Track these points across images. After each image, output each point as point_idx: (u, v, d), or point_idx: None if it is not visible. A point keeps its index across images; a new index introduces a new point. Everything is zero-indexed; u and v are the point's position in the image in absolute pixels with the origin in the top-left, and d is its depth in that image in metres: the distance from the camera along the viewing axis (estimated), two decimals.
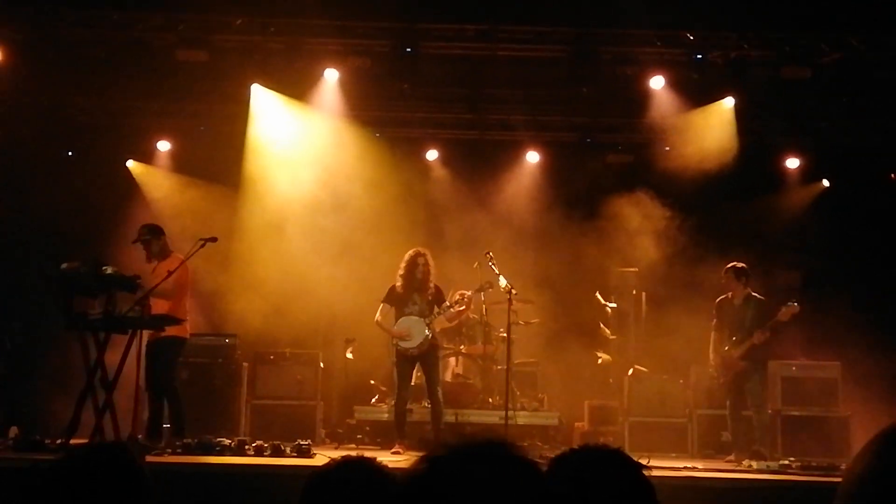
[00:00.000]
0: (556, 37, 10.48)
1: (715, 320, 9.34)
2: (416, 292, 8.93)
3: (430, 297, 8.95)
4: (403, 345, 8.85)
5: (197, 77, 10.69)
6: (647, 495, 2.16)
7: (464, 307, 9.19)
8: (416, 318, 8.87)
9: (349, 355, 10.61)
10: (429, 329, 8.82)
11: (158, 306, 8.16)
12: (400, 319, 8.94)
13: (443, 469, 1.62)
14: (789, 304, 8.91)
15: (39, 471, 2.38)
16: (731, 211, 11.30)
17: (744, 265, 9.33)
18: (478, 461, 1.63)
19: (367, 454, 2.52)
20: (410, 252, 9.02)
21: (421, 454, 1.69)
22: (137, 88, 11.09)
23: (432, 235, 10.62)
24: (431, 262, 9.00)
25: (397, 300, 8.97)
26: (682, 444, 10.02)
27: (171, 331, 8.23)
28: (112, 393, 7.53)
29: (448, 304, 9.02)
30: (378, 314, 9.00)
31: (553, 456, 2.27)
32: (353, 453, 2.50)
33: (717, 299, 9.40)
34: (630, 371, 10.59)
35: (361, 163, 11.24)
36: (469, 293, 9.30)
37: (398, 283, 8.97)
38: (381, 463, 2.34)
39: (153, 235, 8.54)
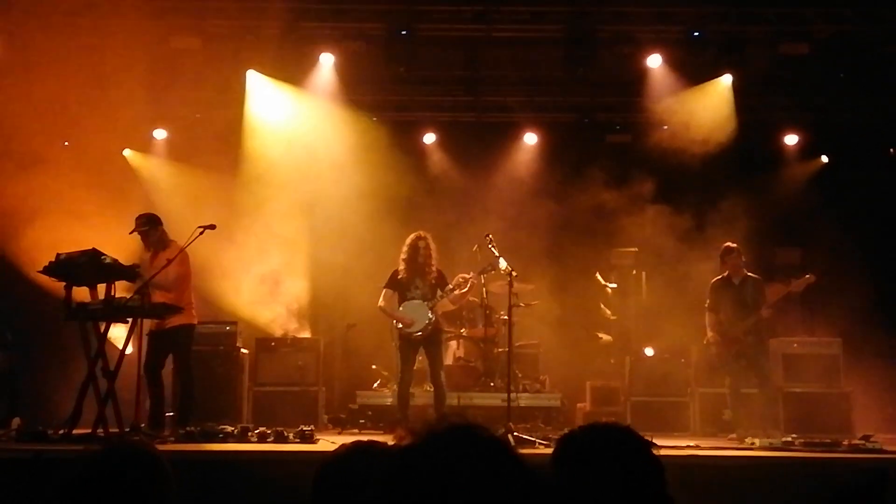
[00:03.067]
0: (552, 17, 10.42)
1: (709, 301, 9.33)
2: (418, 276, 8.88)
3: (432, 281, 8.89)
4: (406, 329, 8.82)
5: (191, 64, 10.63)
6: (655, 473, 2.14)
7: (466, 290, 9.15)
8: (419, 301, 8.84)
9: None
10: (432, 312, 8.79)
11: (161, 296, 8.14)
12: (403, 304, 8.90)
13: (415, 458, 1.62)
14: (804, 274, 8.99)
15: (65, 465, 2.41)
16: (731, 188, 11.26)
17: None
18: (447, 447, 1.62)
19: (370, 439, 2.51)
20: (411, 236, 8.96)
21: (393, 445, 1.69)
22: (132, 77, 11.02)
23: (432, 219, 10.58)
24: (433, 246, 8.94)
25: (400, 285, 8.92)
26: (685, 422, 10.03)
27: (179, 319, 8.21)
28: (114, 382, 7.53)
29: (451, 287, 8.99)
30: (381, 299, 8.95)
31: (561, 435, 2.25)
32: (357, 438, 2.49)
33: (713, 280, 9.38)
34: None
35: (359, 147, 11.19)
36: (471, 276, 9.26)
37: (401, 268, 8.91)
38: (391, 447, 2.33)
39: (151, 225, 8.49)
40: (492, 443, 1.64)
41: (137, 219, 8.59)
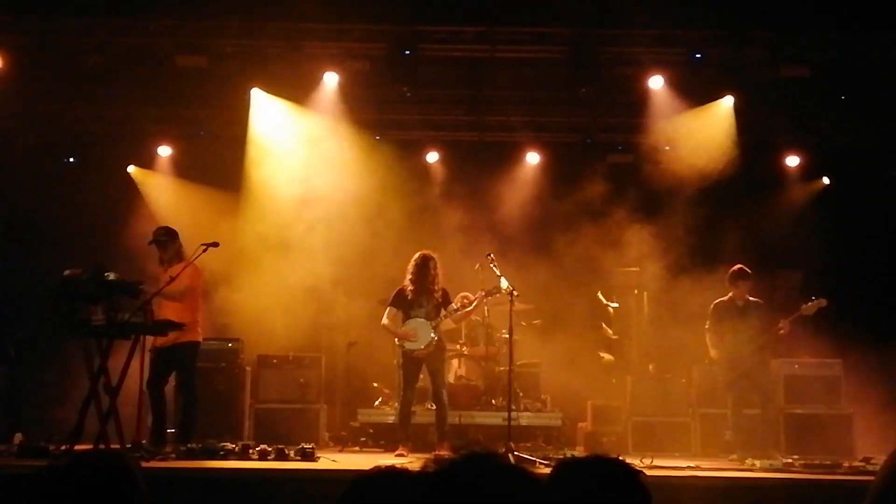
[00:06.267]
0: (554, 38, 10.49)
1: (710, 322, 9.31)
2: (423, 295, 8.92)
3: (437, 300, 8.94)
4: (409, 347, 8.85)
5: (197, 82, 10.71)
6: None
7: (470, 309, 9.18)
8: (423, 320, 8.87)
9: None
10: (435, 332, 8.82)
11: (170, 310, 8.18)
12: (407, 322, 8.93)
13: (447, 478, 1.65)
14: (816, 298, 8.97)
15: (30, 479, 2.42)
16: (732, 210, 11.31)
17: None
18: (479, 472, 1.65)
19: (371, 457, 2.54)
20: (419, 255, 9.00)
21: (429, 460, 1.73)
22: (138, 94, 11.11)
23: (433, 237, 10.63)
24: (439, 265, 9.00)
25: (405, 303, 8.95)
26: (685, 443, 10.01)
27: (184, 337, 8.25)
28: (116, 399, 7.53)
29: (455, 306, 9.02)
30: (385, 317, 8.99)
31: (554, 465, 2.30)
32: (358, 456, 2.52)
33: (715, 302, 9.34)
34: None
35: (362, 166, 11.25)
36: (473, 296, 9.28)
37: (407, 287, 8.95)
38: (418, 473, 2.34)
39: (170, 237, 8.57)
40: (514, 472, 1.69)
41: (156, 230, 8.68)
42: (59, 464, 2.48)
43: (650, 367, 10.74)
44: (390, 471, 2.35)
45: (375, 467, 2.37)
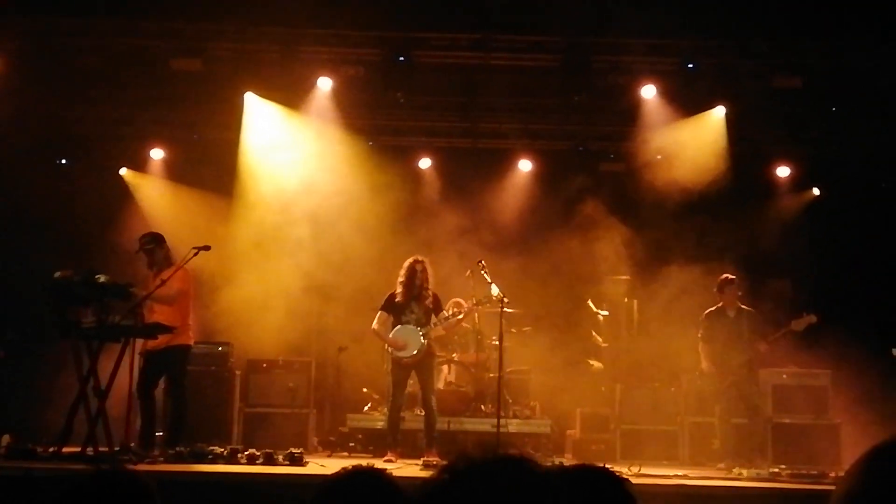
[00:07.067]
0: (548, 46, 10.54)
1: (702, 332, 9.35)
2: (414, 300, 8.93)
3: (428, 305, 8.94)
4: (399, 354, 8.85)
5: (191, 85, 10.73)
6: None
7: (461, 317, 9.20)
8: (413, 327, 8.87)
9: None
10: (424, 339, 8.82)
11: (162, 313, 8.17)
12: (396, 328, 8.93)
13: (463, 481, 1.66)
14: (806, 314, 8.98)
15: (52, 484, 2.42)
16: (722, 219, 11.34)
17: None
18: (497, 475, 1.66)
19: (360, 462, 2.53)
20: (409, 260, 9.02)
21: (443, 464, 1.73)
22: (131, 97, 11.12)
23: (425, 243, 10.64)
24: (430, 270, 9.01)
25: (395, 308, 8.96)
26: (674, 451, 10.04)
27: (174, 340, 8.25)
28: (105, 401, 7.53)
29: (446, 314, 9.03)
30: (375, 322, 8.99)
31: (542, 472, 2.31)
32: (346, 461, 2.52)
33: (707, 311, 9.40)
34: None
35: (354, 171, 11.26)
36: (465, 303, 9.30)
37: (397, 291, 8.96)
38: (390, 474, 2.35)
39: (157, 244, 8.55)
40: (542, 478, 1.69)
41: (142, 238, 8.64)
42: (80, 474, 2.48)
43: (630, 376, 10.76)
44: (361, 471, 2.34)
45: (343, 468, 2.37)
